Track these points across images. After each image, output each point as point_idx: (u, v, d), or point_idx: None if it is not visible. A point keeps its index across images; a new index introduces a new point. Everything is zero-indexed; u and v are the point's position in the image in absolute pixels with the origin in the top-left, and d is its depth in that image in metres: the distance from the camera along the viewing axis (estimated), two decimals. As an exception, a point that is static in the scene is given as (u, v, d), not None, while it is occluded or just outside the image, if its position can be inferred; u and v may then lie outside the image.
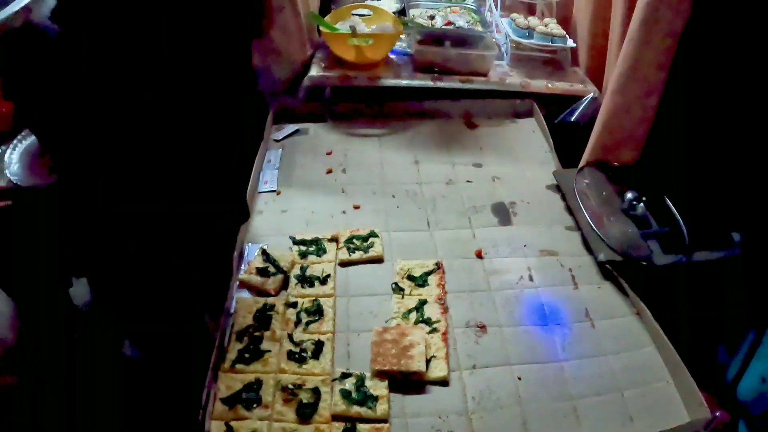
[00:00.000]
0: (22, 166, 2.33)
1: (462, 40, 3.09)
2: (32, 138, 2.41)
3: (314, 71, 2.92)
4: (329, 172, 2.58)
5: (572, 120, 2.89)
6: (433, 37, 3.09)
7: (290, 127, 2.82)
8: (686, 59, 2.22)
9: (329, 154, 2.69)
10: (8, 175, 2.27)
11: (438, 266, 2.10)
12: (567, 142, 2.75)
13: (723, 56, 2.16)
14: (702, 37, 2.17)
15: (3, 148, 2.36)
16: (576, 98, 2.95)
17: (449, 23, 3.30)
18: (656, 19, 2.16)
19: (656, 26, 2.18)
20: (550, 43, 3.05)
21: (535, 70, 3.10)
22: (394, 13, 3.27)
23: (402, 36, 3.13)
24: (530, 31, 3.07)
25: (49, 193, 2.22)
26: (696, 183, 2.28)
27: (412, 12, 3.44)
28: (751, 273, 2.14)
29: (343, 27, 3.00)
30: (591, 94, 2.92)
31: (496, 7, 3.39)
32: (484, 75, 2.98)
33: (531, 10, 3.53)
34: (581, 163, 2.54)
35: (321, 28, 2.97)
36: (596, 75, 3.04)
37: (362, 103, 2.95)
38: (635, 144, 2.43)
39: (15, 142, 2.39)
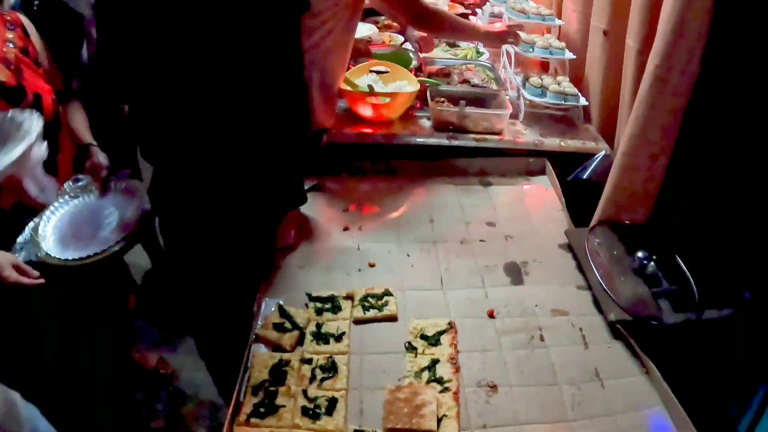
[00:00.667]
0: (56, 240, 2.39)
1: (477, 98, 3.17)
2: (64, 209, 2.48)
3: (332, 127, 3.00)
4: (346, 229, 2.61)
5: (584, 178, 2.94)
6: (449, 96, 3.17)
7: (309, 182, 2.87)
8: (695, 120, 2.27)
9: (346, 210, 2.73)
10: (44, 249, 2.31)
11: (450, 326, 2.13)
12: (580, 199, 2.79)
13: (731, 118, 2.21)
14: (710, 100, 2.23)
15: (36, 220, 2.40)
16: (588, 155, 3.01)
17: (464, 81, 3.39)
18: (665, 82, 2.22)
19: (665, 89, 2.23)
20: (563, 102, 3.12)
21: (549, 128, 3.18)
22: (410, 70, 3.36)
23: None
24: (544, 89, 3.15)
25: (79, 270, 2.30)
26: (706, 240, 2.31)
27: (428, 68, 3.53)
28: (762, 329, 2.16)
29: (361, 84, 3.08)
30: (603, 152, 2.98)
31: (510, 64, 3.47)
32: (499, 134, 3.05)
33: (545, 67, 3.62)
34: (593, 222, 2.57)
35: (341, 85, 3.05)
36: (608, 131, 3.10)
37: (379, 158, 3.01)
38: (646, 203, 2.47)
39: (48, 213, 2.44)
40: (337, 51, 2.84)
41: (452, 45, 4.16)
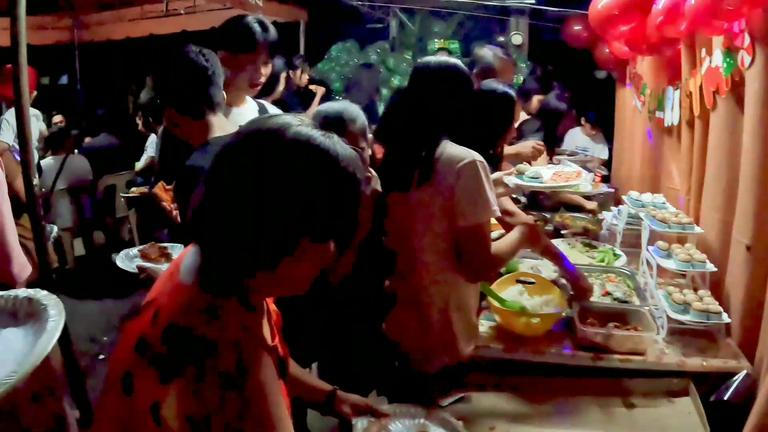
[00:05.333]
0: None
1: (620, 314, 3.31)
2: None
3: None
4: (491, 449, 2.67)
5: (726, 398, 2.98)
6: (594, 313, 3.32)
7: (455, 395, 2.94)
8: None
9: (492, 429, 2.77)
10: None
11: None
12: (722, 422, 2.82)
13: None
14: None
15: None
16: (730, 374, 3.06)
17: (607, 293, 3.53)
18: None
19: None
20: (707, 320, 3.19)
21: (689, 344, 3.25)
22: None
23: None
24: (686, 306, 3.22)
25: None
26: None
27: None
28: None
29: (508, 297, 3.27)
30: (744, 371, 3.02)
31: (651, 275, 3.60)
32: (642, 353, 3.15)
33: (683, 276, 3.72)
34: (738, 454, 2.61)
35: (489, 299, 3.24)
36: (749, 347, 3.14)
37: (524, 372, 3.11)
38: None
39: None
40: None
41: (590, 246, 4.33)
